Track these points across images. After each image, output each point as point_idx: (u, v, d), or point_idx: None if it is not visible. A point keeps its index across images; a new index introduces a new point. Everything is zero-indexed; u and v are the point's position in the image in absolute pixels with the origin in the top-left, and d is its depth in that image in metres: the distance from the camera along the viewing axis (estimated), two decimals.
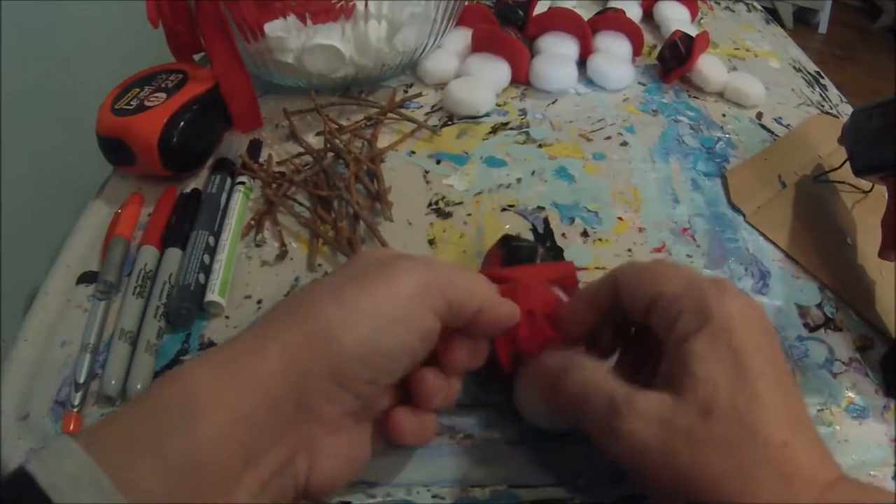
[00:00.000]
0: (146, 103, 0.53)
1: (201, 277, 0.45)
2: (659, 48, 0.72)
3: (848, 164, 0.52)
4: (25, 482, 0.23)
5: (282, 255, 0.49)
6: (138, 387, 0.39)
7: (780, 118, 0.67)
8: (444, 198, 0.54)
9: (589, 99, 0.67)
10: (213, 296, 0.44)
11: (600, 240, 0.51)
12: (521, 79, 0.67)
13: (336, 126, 0.59)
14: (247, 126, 0.60)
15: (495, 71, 0.66)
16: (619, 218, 0.53)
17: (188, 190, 0.53)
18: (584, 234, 0.52)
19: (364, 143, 0.58)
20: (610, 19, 0.72)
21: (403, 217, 0.52)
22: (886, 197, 0.49)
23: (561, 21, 0.70)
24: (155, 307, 0.43)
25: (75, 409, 0.39)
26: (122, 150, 0.52)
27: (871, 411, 0.42)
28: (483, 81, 0.64)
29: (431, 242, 0.50)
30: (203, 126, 0.55)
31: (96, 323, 0.43)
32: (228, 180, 0.53)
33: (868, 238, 0.52)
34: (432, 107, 0.64)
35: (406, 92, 0.66)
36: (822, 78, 0.76)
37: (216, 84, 0.56)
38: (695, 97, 0.69)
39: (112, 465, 0.24)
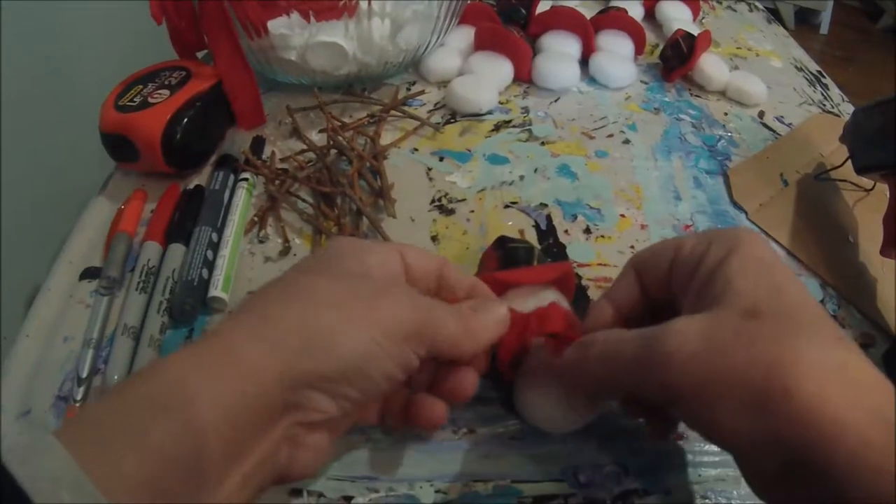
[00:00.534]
0: (149, 100, 0.53)
1: (204, 273, 0.45)
2: (661, 47, 0.72)
3: (849, 162, 0.53)
4: (4, 479, 0.22)
5: (285, 251, 0.49)
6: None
7: (782, 117, 0.67)
8: (446, 195, 0.54)
9: (591, 97, 0.67)
10: (216, 291, 0.44)
11: (603, 237, 0.51)
12: (524, 77, 0.67)
13: (339, 123, 0.59)
14: (250, 123, 0.60)
15: (498, 69, 0.66)
16: (622, 215, 0.53)
17: (191, 186, 0.53)
18: (587, 230, 0.52)
19: (367, 141, 0.58)
20: (612, 18, 0.73)
21: (406, 214, 0.52)
22: (888, 195, 0.49)
23: (563, 20, 0.70)
24: (158, 302, 0.43)
25: (77, 404, 0.39)
26: (126, 146, 0.52)
27: None
28: (486, 79, 0.64)
29: (434, 239, 0.50)
30: (206, 123, 0.55)
31: (99, 318, 0.43)
32: (231, 177, 0.53)
33: (869, 236, 0.52)
34: (435, 104, 0.64)
35: (409, 89, 0.66)
36: (824, 77, 0.76)
37: (219, 81, 0.56)
38: (697, 96, 0.69)
39: (93, 461, 0.23)
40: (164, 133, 0.51)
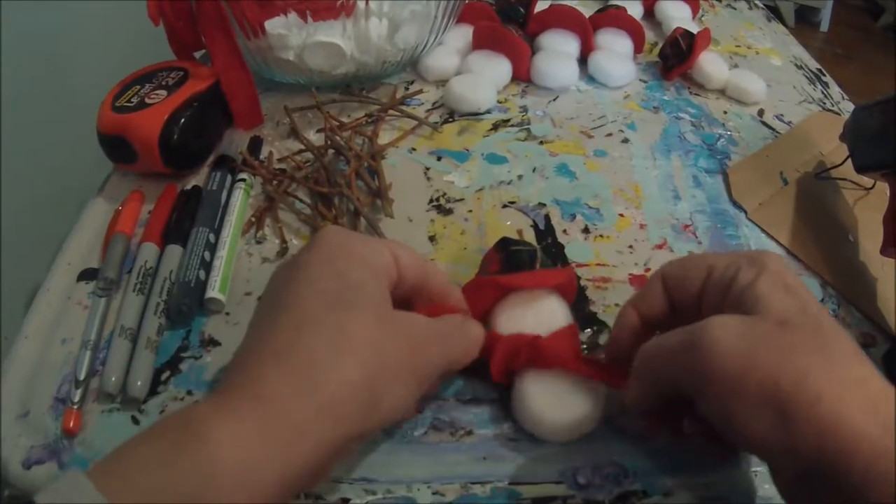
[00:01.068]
0: (147, 101, 0.53)
1: (202, 274, 0.45)
2: (660, 45, 0.72)
3: (849, 161, 0.52)
4: None
5: (282, 251, 0.49)
6: (138, 384, 0.39)
7: (782, 115, 0.67)
8: (444, 194, 0.54)
9: (590, 96, 0.67)
10: (213, 292, 0.44)
11: (601, 236, 0.51)
12: (523, 76, 0.67)
13: (337, 123, 0.58)
14: (248, 123, 0.60)
15: (496, 68, 0.65)
16: (621, 214, 0.53)
17: (189, 187, 0.53)
18: (586, 230, 0.51)
19: (365, 140, 0.58)
20: (611, 17, 0.72)
21: (404, 214, 0.52)
22: (888, 194, 0.49)
23: (562, 18, 0.70)
24: (155, 304, 0.43)
25: (75, 406, 0.39)
26: (123, 147, 0.52)
27: None
28: (484, 78, 0.64)
29: (432, 239, 0.50)
30: (204, 123, 0.55)
31: (97, 320, 0.43)
32: (229, 177, 0.53)
33: (869, 235, 0.52)
34: (433, 104, 0.64)
35: (407, 89, 0.66)
36: (824, 75, 0.76)
37: (217, 81, 0.56)
38: (696, 94, 0.68)
39: (124, 495, 0.24)
40: (162, 134, 0.51)
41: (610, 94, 0.67)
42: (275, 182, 0.53)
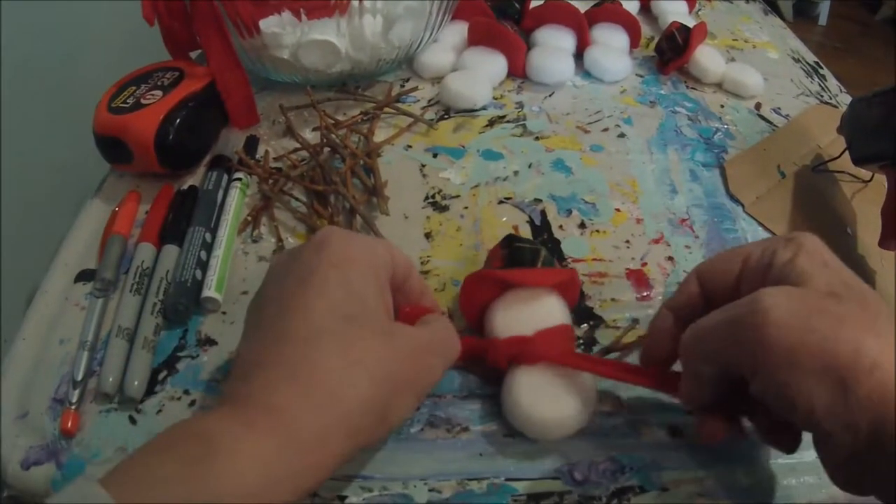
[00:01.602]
0: (142, 101, 0.53)
1: (198, 274, 0.45)
2: (656, 40, 0.71)
3: (847, 153, 0.52)
4: None
5: (278, 250, 0.49)
6: (135, 383, 0.39)
7: (779, 108, 0.67)
8: (440, 191, 0.54)
9: (586, 91, 0.67)
10: (209, 292, 0.44)
11: (598, 231, 0.51)
12: (518, 72, 0.67)
13: (332, 121, 0.58)
14: (243, 122, 0.60)
15: (492, 64, 0.65)
16: (617, 209, 0.53)
17: (185, 187, 0.53)
18: (582, 225, 0.51)
19: (360, 138, 0.58)
20: (607, 11, 0.72)
21: (400, 211, 0.52)
22: (886, 186, 0.49)
23: (558, 14, 0.70)
24: (152, 304, 0.43)
25: (73, 407, 0.39)
26: (120, 148, 0.52)
27: None
28: (480, 75, 0.64)
29: (428, 236, 0.50)
30: (199, 123, 0.55)
31: (94, 320, 0.43)
32: (225, 177, 0.53)
33: (868, 227, 0.52)
34: (429, 101, 0.64)
35: (402, 86, 0.66)
36: (821, 68, 0.76)
37: (212, 81, 0.56)
38: (693, 88, 0.68)
39: None
40: (158, 134, 0.51)
41: (606, 89, 0.67)
42: (271, 181, 0.53)
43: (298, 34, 0.57)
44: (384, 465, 0.37)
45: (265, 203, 0.52)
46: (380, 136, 0.59)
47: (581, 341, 0.44)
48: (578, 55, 0.69)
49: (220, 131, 0.59)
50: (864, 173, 0.57)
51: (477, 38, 0.67)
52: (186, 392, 0.40)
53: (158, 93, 0.54)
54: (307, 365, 0.30)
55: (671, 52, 0.68)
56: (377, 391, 0.30)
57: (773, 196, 0.56)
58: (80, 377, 0.40)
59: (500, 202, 0.53)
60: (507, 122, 0.61)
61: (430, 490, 0.36)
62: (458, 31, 0.69)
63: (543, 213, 0.52)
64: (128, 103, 0.53)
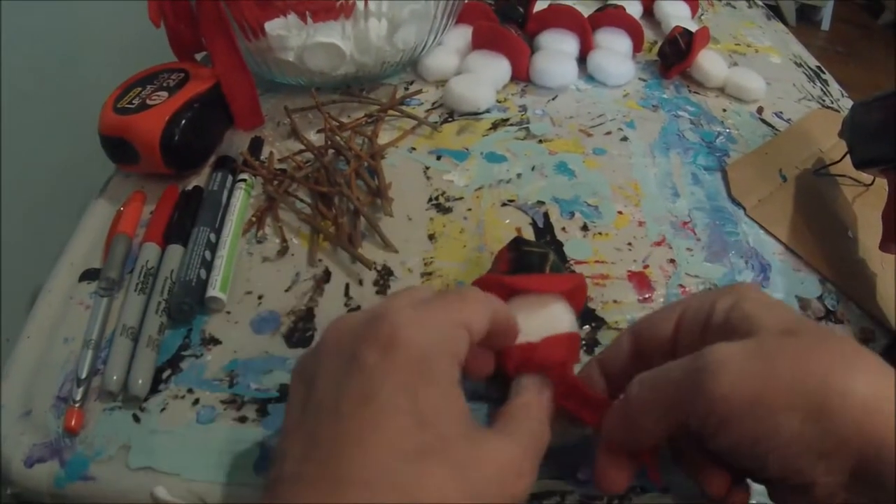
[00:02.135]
0: (148, 102, 0.53)
1: (203, 273, 0.45)
2: (659, 44, 0.72)
3: (848, 157, 0.52)
4: None
5: (283, 251, 0.49)
6: (140, 382, 0.39)
7: (781, 113, 0.67)
8: (444, 193, 0.54)
9: (589, 95, 0.67)
10: (214, 291, 0.44)
11: (600, 233, 0.51)
12: (522, 75, 0.67)
13: (337, 123, 0.59)
14: (248, 124, 0.60)
15: (495, 68, 0.66)
16: (619, 212, 0.53)
17: (190, 187, 0.53)
18: (584, 227, 0.52)
19: (365, 140, 0.58)
20: (610, 16, 0.72)
21: (404, 213, 0.52)
22: (887, 190, 0.49)
23: (561, 18, 0.70)
24: (157, 303, 0.43)
25: (77, 405, 0.39)
26: (125, 148, 0.52)
27: None
28: (483, 78, 0.64)
29: (431, 238, 0.50)
30: (205, 124, 0.55)
31: (98, 319, 0.43)
32: (230, 177, 0.54)
33: (869, 231, 0.52)
34: (433, 104, 0.64)
35: (407, 89, 0.66)
36: (823, 73, 0.76)
37: (217, 83, 0.56)
38: (695, 92, 0.69)
39: None
40: (163, 135, 0.51)
41: (609, 93, 0.67)
42: (275, 182, 0.54)
43: (304, 37, 0.58)
44: None
45: (270, 204, 0.52)
46: (384, 138, 0.59)
47: (584, 343, 0.44)
48: (582, 59, 0.70)
49: (224, 132, 0.59)
50: (866, 177, 0.57)
51: (481, 42, 0.68)
52: (190, 391, 0.40)
53: (164, 94, 0.54)
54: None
55: (674, 56, 0.69)
56: None
57: (775, 199, 0.56)
58: (84, 375, 0.40)
59: (504, 204, 0.53)
60: (511, 125, 0.62)
61: None
62: (462, 34, 0.69)
63: (546, 216, 0.52)
64: (133, 104, 0.53)
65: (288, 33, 0.57)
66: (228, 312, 0.45)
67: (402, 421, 0.27)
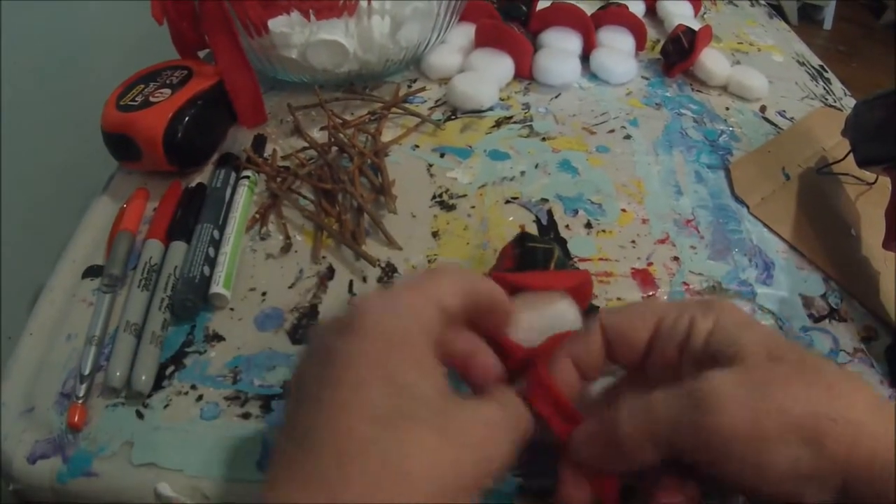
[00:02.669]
0: (151, 99, 0.53)
1: (206, 270, 0.45)
2: (662, 43, 0.72)
3: (851, 155, 0.52)
4: None
5: (286, 247, 0.49)
6: (143, 378, 0.39)
7: (784, 111, 0.67)
8: (447, 190, 0.54)
9: (592, 93, 0.67)
10: (217, 288, 0.44)
11: (604, 231, 0.51)
12: (525, 73, 0.67)
13: (340, 121, 0.59)
14: (251, 121, 0.60)
15: (499, 66, 0.66)
16: (623, 209, 0.53)
17: (193, 184, 0.53)
18: (588, 225, 0.52)
19: (368, 138, 0.58)
20: (613, 14, 0.72)
21: (407, 210, 0.52)
22: (890, 188, 0.49)
23: (564, 16, 0.70)
24: (160, 299, 0.43)
25: (80, 401, 0.39)
26: (128, 145, 0.52)
27: None
28: (486, 76, 0.64)
29: (435, 235, 0.50)
30: (208, 121, 0.55)
31: (101, 316, 0.43)
32: (233, 175, 0.54)
33: (872, 229, 0.52)
34: (436, 101, 0.64)
35: (410, 87, 0.66)
36: (826, 71, 0.76)
37: (220, 80, 0.56)
38: (698, 91, 0.68)
39: None
40: (166, 132, 0.51)
41: (612, 91, 0.67)
42: (278, 179, 0.54)
43: (307, 34, 0.58)
44: None
45: (273, 201, 0.52)
46: (387, 135, 0.59)
47: None
48: (585, 57, 0.70)
49: (228, 130, 0.59)
50: (868, 175, 0.57)
51: (484, 40, 0.68)
52: (193, 387, 0.40)
53: (167, 91, 0.54)
54: (341, 482, 0.25)
55: (677, 54, 0.69)
56: None
57: (778, 198, 0.56)
58: (87, 371, 0.40)
59: (507, 202, 0.53)
60: (514, 122, 0.62)
61: None
62: (465, 32, 0.70)
63: (550, 213, 0.52)
64: (136, 101, 0.53)
65: (291, 31, 0.57)
66: (232, 309, 0.45)
67: (374, 392, 0.27)
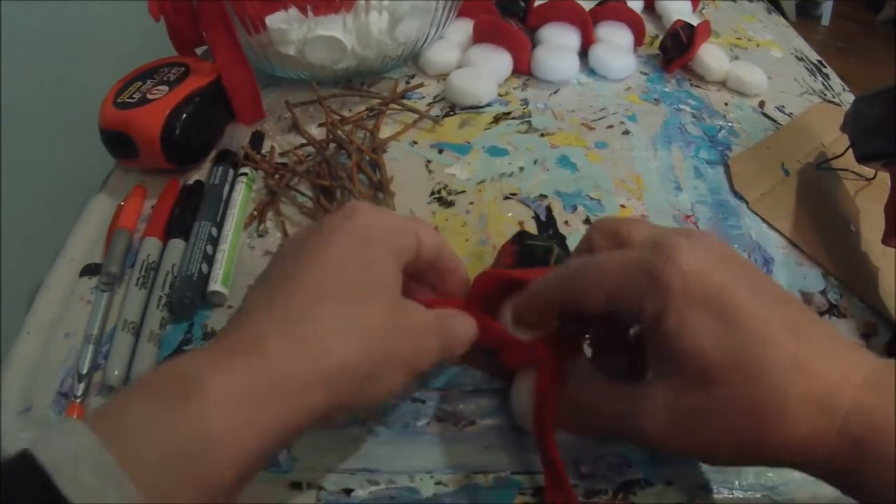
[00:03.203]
0: (148, 96, 0.53)
1: (204, 267, 0.45)
2: (660, 38, 0.71)
3: (850, 151, 0.52)
4: (26, 462, 0.23)
5: None
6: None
7: (783, 107, 0.67)
8: (446, 187, 0.54)
9: (591, 88, 0.67)
10: (215, 285, 0.44)
11: None
12: (523, 69, 0.67)
13: (338, 117, 0.59)
14: (249, 118, 0.60)
15: (497, 61, 0.65)
16: (622, 205, 0.53)
17: (191, 182, 0.53)
18: (587, 221, 0.51)
19: (366, 134, 0.58)
20: (611, 9, 0.72)
21: (406, 206, 0.52)
22: (889, 184, 0.49)
23: (562, 11, 0.70)
24: (158, 297, 0.43)
25: (78, 400, 0.39)
26: (125, 143, 0.52)
27: None
28: (485, 72, 0.64)
29: None
30: (205, 118, 0.55)
31: (99, 314, 0.43)
32: (231, 172, 0.53)
33: (871, 225, 0.52)
34: (434, 97, 0.64)
35: (408, 83, 0.66)
36: (825, 67, 0.76)
37: (218, 77, 0.56)
38: (697, 86, 0.68)
39: (117, 442, 0.24)
40: (163, 129, 0.51)
41: (611, 87, 0.67)
42: (276, 176, 0.53)
43: (305, 31, 0.57)
44: (391, 458, 0.37)
45: (271, 198, 0.52)
46: (385, 132, 0.59)
47: (587, 337, 0.43)
48: (583, 53, 0.70)
49: (225, 127, 0.59)
50: (868, 171, 0.57)
51: (482, 36, 0.67)
52: None
53: (164, 88, 0.54)
54: (304, 325, 0.30)
55: (675, 50, 0.69)
56: (361, 360, 0.30)
57: (777, 193, 0.56)
58: (85, 370, 0.40)
59: (506, 198, 0.53)
60: (513, 118, 0.62)
61: (436, 483, 0.36)
62: (463, 28, 0.69)
63: (549, 209, 0.52)
64: (134, 98, 0.53)
65: (289, 27, 0.57)
66: (230, 307, 0.45)
67: (349, 264, 0.32)
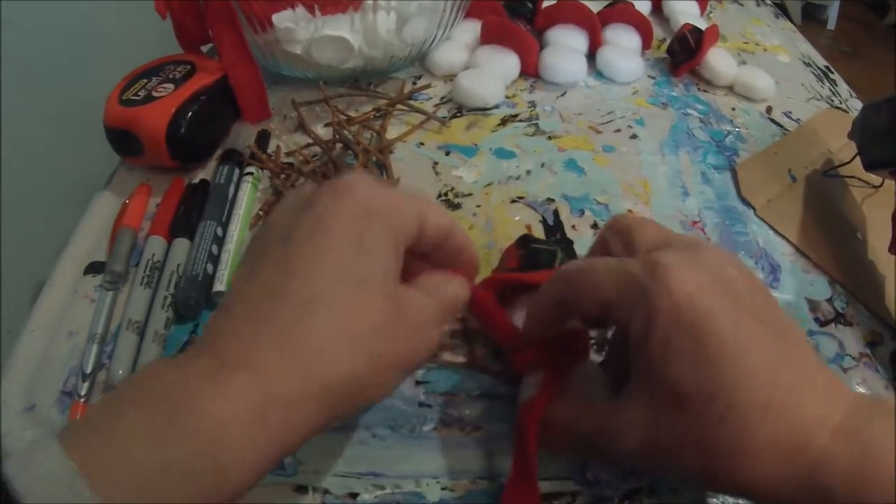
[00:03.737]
0: (154, 94, 0.53)
1: (209, 267, 0.45)
2: (668, 41, 0.71)
3: (858, 158, 0.52)
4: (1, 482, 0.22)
5: None
6: None
7: (790, 112, 0.67)
8: (453, 189, 0.54)
9: (598, 91, 0.66)
10: (221, 286, 0.44)
11: None
12: (531, 71, 0.67)
13: (344, 117, 0.58)
14: (255, 117, 0.60)
15: (504, 63, 0.65)
16: (629, 210, 0.53)
17: (196, 181, 0.53)
18: (594, 226, 0.51)
19: (373, 135, 0.58)
20: (619, 12, 0.72)
21: None
22: None
23: (570, 13, 0.70)
24: (163, 297, 0.43)
25: (82, 400, 0.39)
26: (130, 140, 0.52)
27: None
28: (492, 73, 0.64)
29: None
30: (211, 117, 0.55)
31: (104, 313, 0.43)
32: (237, 171, 0.53)
33: (878, 233, 0.52)
34: (441, 98, 0.64)
35: (415, 83, 0.65)
36: (832, 72, 0.76)
37: (224, 75, 0.56)
38: (704, 91, 0.68)
39: (100, 463, 0.23)
40: (169, 127, 0.51)
41: (618, 90, 0.67)
42: (282, 176, 0.53)
43: (312, 30, 0.57)
44: (396, 462, 0.37)
45: (277, 198, 0.52)
46: (392, 133, 0.59)
47: (593, 341, 0.43)
48: (591, 55, 0.69)
49: (231, 125, 0.59)
50: (875, 178, 0.57)
51: (489, 37, 0.67)
52: None
53: (170, 86, 0.53)
54: (298, 331, 0.28)
55: (683, 53, 0.68)
56: (361, 369, 0.28)
57: (784, 199, 0.56)
58: (89, 370, 0.40)
59: (513, 201, 0.53)
60: (520, 121, 0.61)
61: (442, 488, 0.36)
62: (470, 29, 0.69)
63: (556, 213, 0.52)
64: (139, 96, 0.52)
65: (296, 26, 0.57)
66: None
67: (344, 251, 0.29)
